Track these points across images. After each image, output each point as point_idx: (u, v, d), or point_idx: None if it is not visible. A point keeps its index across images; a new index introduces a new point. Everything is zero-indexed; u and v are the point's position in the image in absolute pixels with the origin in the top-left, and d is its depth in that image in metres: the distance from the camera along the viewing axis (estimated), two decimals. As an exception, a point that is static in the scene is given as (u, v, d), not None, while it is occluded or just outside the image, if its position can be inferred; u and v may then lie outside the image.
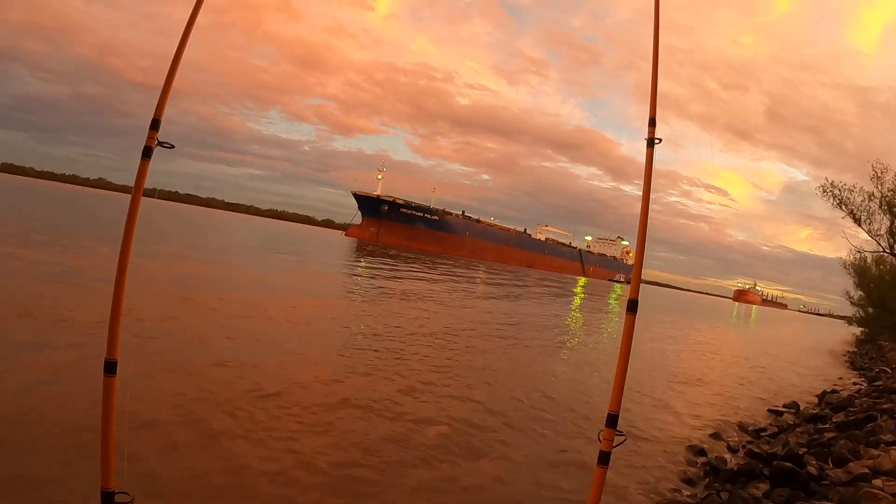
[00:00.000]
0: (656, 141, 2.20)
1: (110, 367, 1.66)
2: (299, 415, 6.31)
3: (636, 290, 2.13)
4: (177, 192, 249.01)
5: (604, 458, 1.98)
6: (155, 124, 1.92)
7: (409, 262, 43.60)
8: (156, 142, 1.93)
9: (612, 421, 2.04)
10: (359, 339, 11.36)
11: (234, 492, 4.45)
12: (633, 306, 2.09)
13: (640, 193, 2.16)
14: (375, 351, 10.28)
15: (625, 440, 1.98)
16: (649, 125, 2.20)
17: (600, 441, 2.02)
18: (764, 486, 5.79)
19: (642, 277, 2.22)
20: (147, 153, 1.90)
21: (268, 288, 16.93)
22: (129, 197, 1.85)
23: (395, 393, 7.90)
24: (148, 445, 4.83)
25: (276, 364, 8.32)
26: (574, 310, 31.64)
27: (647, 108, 2.17)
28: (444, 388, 8.67)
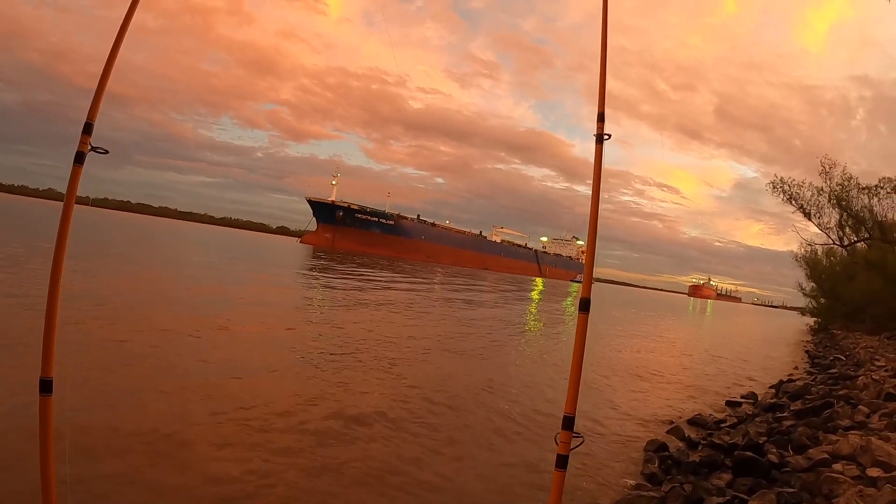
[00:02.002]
0: (605, 137, 2.14)
1: (46, 386, 1.53)
2: (256, 429, 6.08)
3: (588, 289, 2.06)
4: (129, 201, 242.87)
5: (562, 462, 1.89)
6: (87, 128, 1.77)
7: (367, 268, 43.26)
8: (89, 147, 1.77)
9: (568, 423, 1.95)
10: (314, 353, 11.12)
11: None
12: (585, 305, 2.02)
13: (591, 204, 2.11)
14: (333, 361, 10.08)
15: (582, 442, 1.89)
16: (598, 121, 2.14)
17: (557, 444, 1.93)
18: (726, 476, 5.79)
19: (597, 276, 2.17)
20: (79, 159, 1.75)
21: (224, 302, 16.52)
22: (81, 208, 1.71)
23: (345, 402, 7.76)
24: (91, 467, 4.55)
25: (230, 378, 7.99)
26: (531, 312, 31.81)
27: (597, 120, 2.12)
28: (397, 391, 8.55)
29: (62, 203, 1.71)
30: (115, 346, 8.83)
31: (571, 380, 1.97)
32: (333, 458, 5.62)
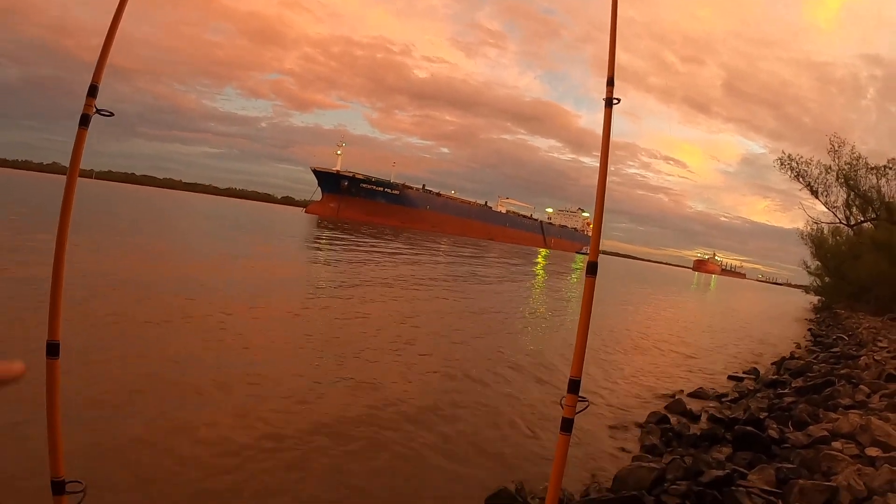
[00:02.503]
0: (615, 101, 2.08)
1: (53, 349, 1.51)
2: (258, 399, 6.10)
3: (595, 253, 2.02)
4: (133, 173, 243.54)
5: (566, 425, 1.87)
6: (93, 91, 1.73)
7: (374, 239, 43.17)
8: (94, 109, 1.73)
9: (573, 387, 1.92)
10: (322, 327, 11.17)
11: (191, 477, 4.25)
12: (592, 269, 1.98)
13: (599, 168, 2.07)
14: (343, 327, 10.13)
15: (587, 406, 1.86)
16: (607, 84, 2.08)
17: (562, 408, 1.90)
18: (727, 450, 5.83)
19: (602, 248, 2.14)
20: (84, 121, 1.71)
21: (232, 281, 16.58)
22: (85, 181, 1.67)
23: (361, 361, 7.81)
24: (99, 430, 4.60)
25: (237, 347, 8.05)
26: (538, 280, 31.86)
27: (606, 84, 2.06)
28: (409, 358, 8.64)
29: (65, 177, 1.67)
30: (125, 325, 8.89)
31: (578, 343, 1.93)
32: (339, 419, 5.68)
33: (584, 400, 1.90)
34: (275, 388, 6.31)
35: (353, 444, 5.20)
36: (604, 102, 2.08)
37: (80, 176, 1.73)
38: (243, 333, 8.54)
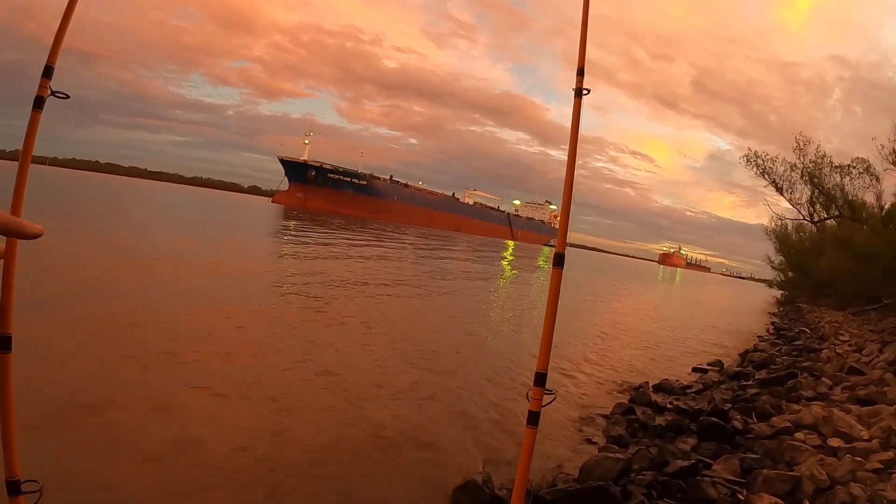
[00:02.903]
0: (585, 91, 2.04)
1: (4, 343, 1.40)
2: (222, 396, 5.94)
3: (563, 244, 1.97)
4: (97, 161, 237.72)
5: (533, 419, 1.83)
6: (48, 72, 1.62)
7: (339, 230, 42.82)
8: (49, 91, 1.63)
9: (540, 380, 1.88)
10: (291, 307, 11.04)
11: (152, 474, 4.12)
12: (559, 260, 1.93)
13: (567, 159, 2.03)
14: (311, 317, 10.01)
15: (554, 398, 1.82)
16: (577, 74, 2.03)
17: (529, 401, 1.86)
18: (692, 441, 5.88)
19: (570, 241, 2.09)
20: (38, 104, 1.60)
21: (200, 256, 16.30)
22: (52, 170, 1.57)
23: (329, 353, 7.74)
24: (56, 427, 4.44)
25: (198, 335, 7.90)
26: (505, 273, 31.96)
27: (576, 74, 2.02)
28: (373, 349, 8.59)
29: (33, 165, 1.57)
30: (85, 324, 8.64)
31: (544, 336, 1.89)
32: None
33: (550, 393, 1.86)
34: (240, 384, 6.14)
35: (320, 437, 5.12)
36: (573, 93, 2.04)
37: (34, 163, 1.63)
38: (207, 333, 8.29)
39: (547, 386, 1.86)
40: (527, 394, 1.88)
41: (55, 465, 3.85)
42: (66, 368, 5.85)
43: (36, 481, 1.41)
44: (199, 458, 4.40)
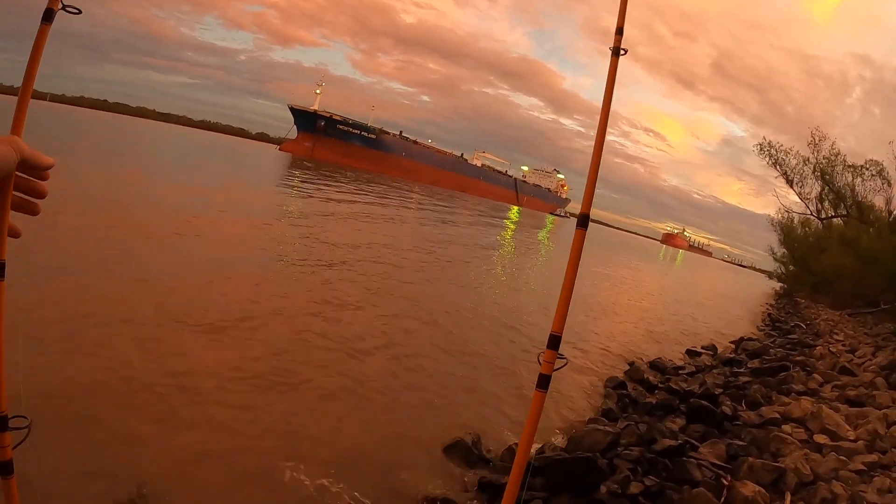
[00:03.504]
0: (622, 51, 1.95)
1: None
2: (214, 341, 5.92)
3: (588, 204, 1.91)
4: (106, 100, 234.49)
5: (543, 382, 1.79)
6: None
7: (346, 182, 42.39)
8: (60, 4, 1.52)
9: (554, 342, 1.83)
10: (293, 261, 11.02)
11: (141, 407, 4.14)
12: (584, 221, 1.86)
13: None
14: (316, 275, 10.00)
15: (566, 363, 1.79)
16: (616, 33, 1.95)
17: (540, 364, 1.83)
18: (680, 421, 5.93)
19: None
20: (48, 17, 1.49)
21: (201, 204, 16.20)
22: (58, 106, 1.50)
23: (330, 318, 7.77)
24: (45, 361, 4.41)
25: (189, 280, 7.81)
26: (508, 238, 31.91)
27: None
28: (381, 310, 8.65)
29: (38, 101, 1.49)
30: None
31: (562, 298, 1.83)
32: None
33: (562, 357, 1.83)
34: (234, 332, 6.14)
35: (309, 393, 5.15)
36: (610, 51, 1.97)
37: (34, 98, 1.55)
38: (206, 280, 8.15)
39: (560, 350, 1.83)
40: (538, 356, 1.85)
41: (46, 401, 3.84)
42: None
43: (24, 417, 1.36)
44: (189, 402, 4.43)
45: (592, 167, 2.05)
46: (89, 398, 4.12)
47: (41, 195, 1.04)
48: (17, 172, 1.00)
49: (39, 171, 1.01)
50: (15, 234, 1.05)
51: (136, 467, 3.47)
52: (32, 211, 1.05)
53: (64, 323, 5.28)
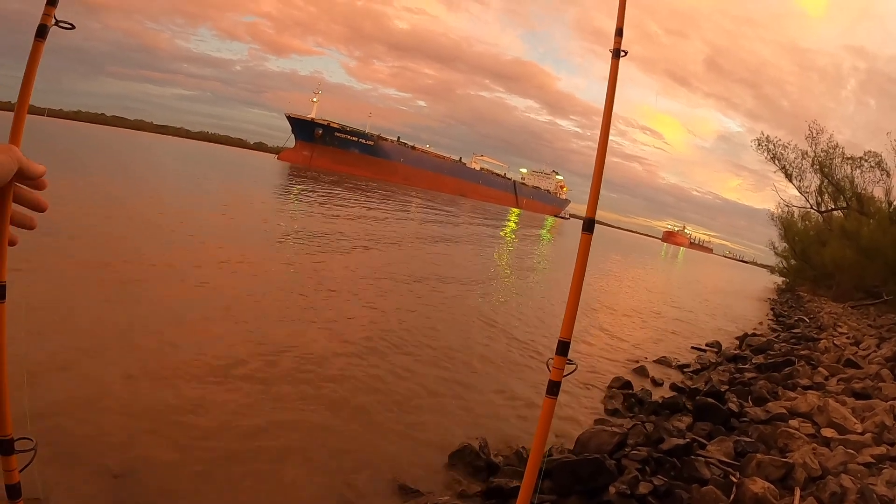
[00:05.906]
0: (622, 53, 1.95)
1: None
2: (216, 355, 5.98)
3: (593, 209, 1.91)
4: (103, 114, 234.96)
5: (553, 389, 1.79)
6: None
7: (347, 190, 42.34)
8: (53, 20, 1.51)
9: (563, 348, 1.83)
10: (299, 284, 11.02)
11: (148, 433, 4.07)
12: (589, 225, 1.86)
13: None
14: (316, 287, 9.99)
15: (575, 369, 1.78)
16: (616, 35, 1.95)
17: (549, 370, 1.82)
18: (687, 420, 5.91)
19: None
20: (41, 33, 1.48)
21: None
22: (53, 121, 1.48)
23: (332, 311, 7.75)
24: (50, 383, 4.36)
25: (196, 293, 7.82)
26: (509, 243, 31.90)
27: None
28: (381, 312, 8.59)
29: (36, 116, 1.47)
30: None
31: (569, 304, 1.83)
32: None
33: (571, 363, 1.83)
34: (236, 341, 6.12)
35: (317, 396, 5.14)
36: (610, 54, 1.97)
37: (31, 113, 1.54)
38: (205, 290, 8.19)
39: (547, 354, 1.83)
40: (547, 362, 1.84)
41: (51, 423, 3.79)
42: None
43: (30, 439, 1.34)
44: (194, 415, 4.41)
45: (596, 170, 2.04)
46: (97, 419, 4.07)
47: (41, 208, 1.04)
48: (15, 182, 1.01)
49: (32, 180, 1.01)
50: (12, 242, 1.06)
51: (145, 487, 3.45)
52: (29, 224, 1.06)
53: (69, 342, 5.26)
